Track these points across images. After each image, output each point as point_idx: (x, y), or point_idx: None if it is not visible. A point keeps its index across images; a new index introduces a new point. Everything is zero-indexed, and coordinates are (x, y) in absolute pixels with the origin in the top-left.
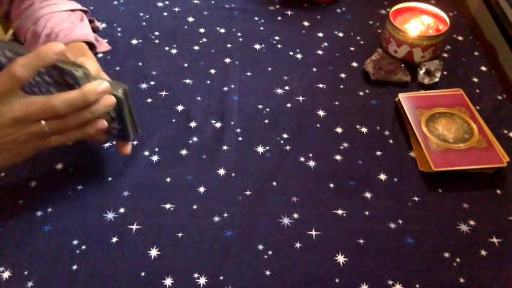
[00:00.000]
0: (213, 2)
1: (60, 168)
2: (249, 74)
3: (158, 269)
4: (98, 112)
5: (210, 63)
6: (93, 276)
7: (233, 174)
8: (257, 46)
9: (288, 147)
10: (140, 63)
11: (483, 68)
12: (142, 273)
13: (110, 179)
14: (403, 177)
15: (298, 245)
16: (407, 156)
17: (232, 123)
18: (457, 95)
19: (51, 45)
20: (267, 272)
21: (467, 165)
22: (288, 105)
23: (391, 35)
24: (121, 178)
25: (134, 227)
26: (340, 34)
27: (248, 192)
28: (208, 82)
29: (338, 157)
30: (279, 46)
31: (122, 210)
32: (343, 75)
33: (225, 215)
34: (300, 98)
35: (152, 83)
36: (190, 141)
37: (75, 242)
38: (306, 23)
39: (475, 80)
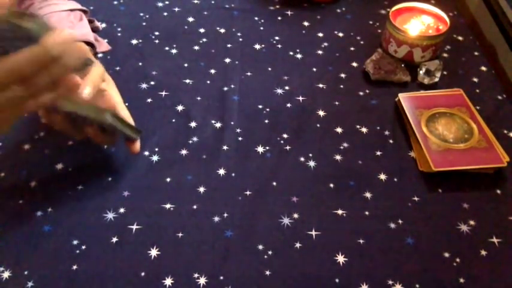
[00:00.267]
0: (213, 2)
1: (60, 168)
2: (249, 74)
3: (158, 269)
4: (70, 65)
5: (210, 63)
6: (93, 276)
7: (233, 174)
8: (257, 46)
9: (288, 147)
10: (140, 63)
11: (483, 68)
12: (142, 273)
13: (109, 179)
14: (403, 177)
15: (298, 245)
16: (407, 156)
17: (232, 123)
18: (457, 95)
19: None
20: (267, 272)
21: (467, 165)
22: (288, 105)
23: (391, 35)
24: (121, 178)
25: (134, 227)
26: (340, 34)
27: (248, 192)
28: (208, 82)
29: (338, 157)
30: (279, 46)
31: (122, 210)
32: (343, 75)
33: (225, 215)
34: (300, 98)
35: (152, 83)
36: (190, 141)
37: (75, 242)
38: (306, 23)
39: (475, 80)
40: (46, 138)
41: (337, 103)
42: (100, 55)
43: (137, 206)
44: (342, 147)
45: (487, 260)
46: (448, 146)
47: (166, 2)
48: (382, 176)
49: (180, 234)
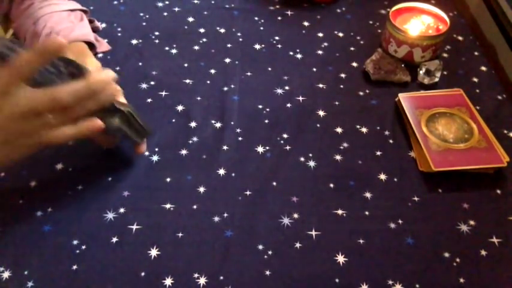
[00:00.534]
0: (213, 2)
1: (60, 168)
2: (249, 74)
3: (158, 269)
4: (103, 100)
5: (210, 63)
6: (93, 276)
7: (233, 174)
8: (257, 46)
9: (288, 147)
10: (140, 63)
11: (483, 68)
12: (143, 273)
13: (110, 179)
14: (403, 177)
15: (298, 245)
16: (407, 156)
17: (232, 123)
18: (457, 95)
19: (52, 41)
20: (267, 272)
21: (467, 165)
22: (288, 105)
23: (391, 35)
24: (121, 178)
25: (134, 227)
26: (340, 34)
27: (248, 192)
28: (208, 82)
29: (338, 157)
30: (279, 46)
31: (122, 210)
32: (343, 75)
33: (225, 215)
34: (300, 98)
35: (152, 83)
36: (190, 141)
37: (75, 242)
38: (306, 23)
39: (475, 80)
40: None
41: (337, 103)
42: (100, 55)
43: (137, 206)
44: (342, 147)
45: (487, 260)
46: (448, 146)
47: (166, 2)
48: (382, 176)
49: (180, 234)
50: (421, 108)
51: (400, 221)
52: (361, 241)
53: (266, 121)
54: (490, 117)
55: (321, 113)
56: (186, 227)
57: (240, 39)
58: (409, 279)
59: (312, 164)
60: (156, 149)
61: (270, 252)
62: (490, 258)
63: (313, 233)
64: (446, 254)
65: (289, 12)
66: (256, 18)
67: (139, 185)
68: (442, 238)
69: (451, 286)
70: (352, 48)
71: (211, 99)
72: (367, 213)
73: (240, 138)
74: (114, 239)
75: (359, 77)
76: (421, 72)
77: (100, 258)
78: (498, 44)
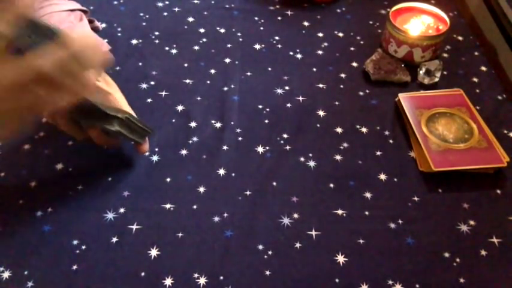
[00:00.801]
0: (213, 2)
1: (60, 168)
2: (249, 74)
3: (158, 269)
4: (90, 62)
5: (210, 63)
6: (93, 276)
7: (233, 174)
8: (257, 46)
9: (288, 147)
10: (140, 63)
11: (483, 68)
12: (143, 273)
13: (109, 179)
14: (403, 177)
15: (298, 245)
16: (407, 156)
17: (232, 123)
18: (457, 95)
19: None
20: (267, 272)
21: (467, 165)
22: (288, 105)
23: (391, 35)
24: (121, 178)
25: (134, 227)
26: (340, 34)
27: (248, 192)
28: (208, 82)
29: (338, 157)
30: (279, 46)
31: (122, 210)
32: (343, 75)
33: (225, 215)
34: (300, 98)
35: (152, 83)
36: (190, 141)
37: (75, 242)
38: (306, 23)
39: (475, 80)
40: (46, 138)
41: (337, 103)
42: None
43: (137, 206)
44: (342, 147)
45: (487, 260)
46: (448, 146)
47: (166, 2)
48: (382, 176)
49: (180, 234)
50: (421, 108)
51: (400, 221)
52: (361, 241)
53: (266, 121)
54: (490, 117)
55: (321, 113)
56: (186, 227)
57: (240, 39)
58: (409, 279)
59: (312, 164)
60: (156, 149)
61: (270, 252)
62: (490, 258)
63: (313, 233)
64: (446, 254)
65: (289, 12)
66: (256, 18)
67: (139, 185)
68: (442, 238)
69: (451, 286)
70: (352, 48)
71: (211, 99)
72: (367, 213)
73: (240, 138)
74: (114, 239)
75: (359, 77)
76: (421, 72)
77: (100, 258)
78: (498, 44)
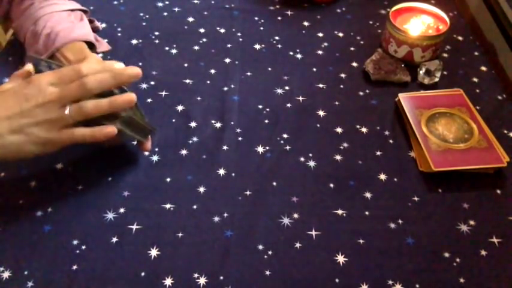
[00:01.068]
0: (213, 2)
1: (60, 168)
2: (249, 74)
3: (158, 269)
4: (117, 105)
5: (210, 63)
6: (93, 276)
7: (233, 174)
8: (257, 46)
9: (288, 147)
10: (140, 63)
11: (483, 68)
12: (143, 273)
13: (110, 179)
14: (403, 177)
15: (298, 245)
16: (407, 156)
17: (232, 123)
18: (457, 95)
19: (129, 69)
20: (267, 272)
21: (467, 165)
22: (288, 105)
23: (391, 35)
24: (121, 178)
25: (134, 227)
26: (340, 34)
27: (248, 192)
28: (208, 82)
29: (338, 157)
30: (279, 46)
31: (122, 210)
32: (343, 75)
33: (225, 215)
34: (300, 98)
35: (152, 83)
36: (190, 141)
37: (75, 242)
38: (306, 23)
39: (475, 80)
40: None
41: (337, 103)
42: (100, 55)
43: (137, 206)
44: (342, 147)
45: (487, 260)
46: (448, 146)
47: (166, 2)
48: (382, 176)
49: (180, 234)
50: (421, 108)
51: (400, 221)
52: (361, 241)
53: (266, 121)
54: (490, 117)
55: (321, 113)
56: (186, 227)
57: (240, 39)
58: (409, 279)
59: (312, 164)
60: (156, 149)
61: (270, 252)
62: (490, 258)
63: (313, 233)
64: (446, 254)
65: (289, 12)
66: (256, 18)
67: (139, 185)
68: (442, 238)
69: (451, 286)
70: (352, 48)
71: (211, 99)
72: (367, 213)
73: (240, 138)
74: (114, 239)
75: (359, 77)
76: (421, 72)
77: (100, 258)
78: (498, 44)
